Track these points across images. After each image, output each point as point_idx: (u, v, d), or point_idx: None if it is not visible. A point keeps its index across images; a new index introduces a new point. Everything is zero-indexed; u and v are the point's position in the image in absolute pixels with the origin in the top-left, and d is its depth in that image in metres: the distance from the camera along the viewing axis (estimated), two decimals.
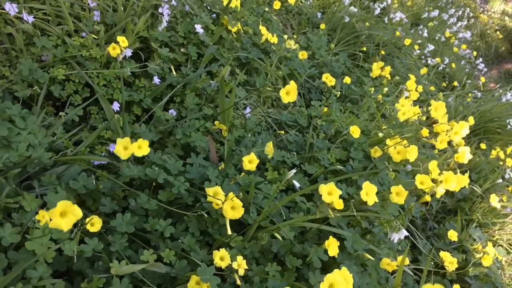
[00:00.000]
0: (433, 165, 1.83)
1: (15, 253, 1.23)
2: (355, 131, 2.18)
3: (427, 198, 2.28)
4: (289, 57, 2.94)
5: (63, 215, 1.12)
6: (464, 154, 2.07)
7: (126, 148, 1.45)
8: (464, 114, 4.08)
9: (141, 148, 1.47)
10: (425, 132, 2.23)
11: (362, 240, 1.70)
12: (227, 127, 1.99)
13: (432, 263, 2.20)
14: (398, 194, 1.74)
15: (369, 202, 1.66)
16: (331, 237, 1.56)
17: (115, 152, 1.45)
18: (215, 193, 1.48)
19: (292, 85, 2.19)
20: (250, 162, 1.68)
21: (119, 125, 1.76)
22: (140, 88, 2.05)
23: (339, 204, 1.59)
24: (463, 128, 2.03)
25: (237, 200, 1.46)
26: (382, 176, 2.12)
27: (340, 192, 1.58)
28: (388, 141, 2.20)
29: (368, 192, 1.68)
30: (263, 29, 2.66)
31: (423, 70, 4.28)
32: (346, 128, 2.37)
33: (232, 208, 1.47)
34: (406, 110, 2.26)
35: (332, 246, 1.56)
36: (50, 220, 1.11)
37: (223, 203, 1.46)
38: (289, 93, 1.74)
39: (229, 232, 1.49)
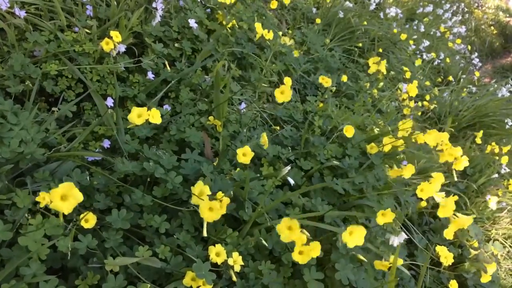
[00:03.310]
0: (438, 177, 1.80)
1: (8, 250, 1.21)
2: (348, 130, 2.16)
3: (423, 204, 2.29)
4: (284, 52, 2.92)
5: (64, 199, 1.14)
6: (461, 163, 2.06)
7: (140, 115, 1.50)
8: (460, 109, 4.09)
9: (154, 117, 1.56)
10: (420, 139, 2.21)
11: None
12: (222, 122, 1.97)
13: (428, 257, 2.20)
14: (384, 215, 1.71)
15: (349, 244, 1.48)
16: (314, 242, 1.44)
17: (129, 119, 1.49)
18: (200, 192, 1.43)
19: (287, 83, 2.21)
20: (244, 155, 1.66)
21: (112, 121, 1.74)
22: (134, 84, 2.03)
23: (300, 239, 1.41)
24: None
25: (220, 201, 1.41)
26: (378, 171, 2.12)
27: (298, 229, 1.40)
28: (385, 140, 2.19)
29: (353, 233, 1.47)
30: (258, 26, 2.63)
31: (418, 61, 4.27)
32: (342, 123, 2.37)
33: (209, 209, 1.39)
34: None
35: (305, 253, 1.43)
36: (51, 202, 1.12)
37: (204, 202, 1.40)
38: (283, 92, 1.78)
39: (205, 234, 1.43)
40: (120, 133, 1.72)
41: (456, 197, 1.79)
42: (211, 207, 1.40)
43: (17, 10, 1.82)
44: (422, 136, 2.04)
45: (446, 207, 1.71)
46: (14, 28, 1.85)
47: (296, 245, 1.42)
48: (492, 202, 2.78)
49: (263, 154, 2.01)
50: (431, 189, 1.75)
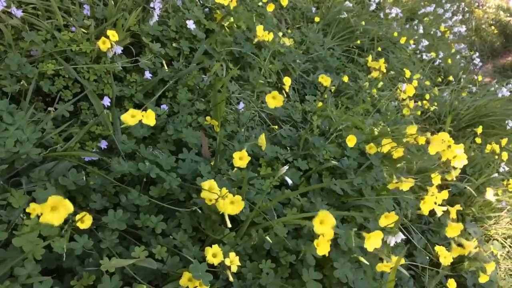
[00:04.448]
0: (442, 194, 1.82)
1: (3, 250, 1.21)
2: (351, 139, 2.14)
3: (425, 212, 2.28)
4: (283, 52, 2.91)
5: (53, 210, 1.10)
6: (460, 160, 2.06)
7: (133, 116, 1.46)
8: (460, 109, 4.07)
9: (148, 118, 1.50)
10: (421, 140, 2.21)
11: (354, 237, 1.68)
12: (219, 122, 1.96)
13: (427, 257, 2.19)
14: (387, 217, 1.70)
15: (369, 248, 1.55)
16: (321, 236, 1.47)
17: (123, 119, 1.45)
18: (210, 188, 1.45)
19: (286, 83, 2.22)
20: (241, 158, 1.65)
21: (109, 121, 1.73)
22: (131, 83, 2.03)
23: (330, 234, 1.47)
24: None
25: (237, 196, 1.45)
26: (377, 172, 2.11)
27: (334, 223, 1.43)
28: (384, 141, 2.18)
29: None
30: (259, 28, 2.60)
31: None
32: (341, 123, 2.36)
33: (231, 202, 1.45)
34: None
35: (322, 246, 1.48)
36: (41, 214, 1.09)
37: (220, 198, 1.44)
38: (275, 97, 1.83)
39: (229, 225, 1.47)
40: (117, 133, 1.72)
41: (459, 207, 1.81)
42: (232, 200, 1.44)
43: (14, 10, 1.81)
44: (425, 143, 2.04)
45: (454, 228, 1.75)
46: (11, 28, 1.85)
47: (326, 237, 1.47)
48: (490, 194, 2.77)
49: (261, 154, 2.00)
50: (432, 202, 1.77)
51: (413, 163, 2.44)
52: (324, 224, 1.45)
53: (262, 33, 2.60)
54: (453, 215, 1.87)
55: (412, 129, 2.20)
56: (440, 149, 2.00)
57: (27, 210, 1.15)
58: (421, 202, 1.78)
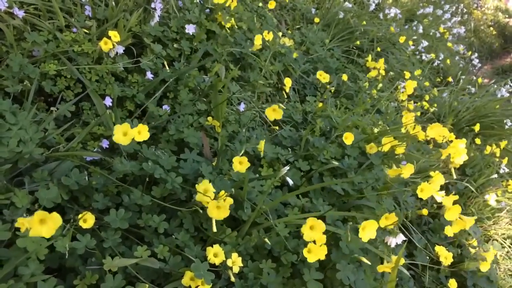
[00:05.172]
0: (437, 177, 1.81)
1: (6, 250, 1.21)
2: (348, 137, 2.15)
3: (424, 212, 2.29)
4: (283, 53, 2.92)
5: (42, 223, 1.09)
6: (460, 156, 2.06)
7: (125, 133, 1.41)
8: (459, 109, 4.08)
9: (141, 133, 1.45)
10: (421, 135, 2.22)
11: (357, 239, 1.68)
12: (221, 122, 1.97)
13: (427, 257, 2.20)
14: (387, 218, 1.71)
15: (364, 238, 1.56)
16: (311, 244, 1.46)
17: (115, 140, 1.40)
18: (205, 190, 1.45)
19: (287, 84, 2.23)
20: (240, 163, 1.66)
21: (111, 121, 1.74)
22: (133, 84, 2.03)
23: (321, 239, 1.47)
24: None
25: (223, 200, 1.43)
26: (377, 171, 2.11)
27: (324, 229, 1.45)
28: (384, 140, 2.18)
29: (365, 227, 1.56)
30: (257, 37, 2.59)
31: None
32: (341, 123, 2.36)
33: (217, 207, 1.43)
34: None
35: (314, 252, 1.47)
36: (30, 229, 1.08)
37: (211, 201, 1.43)
38: (275, 110, 1.86)
39: (214, 230, 1.46)
40: None
41: (456, 197, 1.80)
42: (218, 205, 1.42)
43: (16, 10, 1.81)
44: (425, 131, 2.05)
45: (452, 210, 1.73)
46: (13, 28, 1.85)
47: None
48: (492, 199, 2.78)
49: (262, 155, 2.00)
50: (430, 189, 1.76)
51: (413, 162, 2.45)
52: (314, 230, 1.45)
53: (260, 42, 2.57)
54: (450, 203, 1.85)
55: (408, 117, 2.20)
56: (438, 135, 2.01)
57: (16, 225, 1.12)
58: (418, 189, 1.76)
